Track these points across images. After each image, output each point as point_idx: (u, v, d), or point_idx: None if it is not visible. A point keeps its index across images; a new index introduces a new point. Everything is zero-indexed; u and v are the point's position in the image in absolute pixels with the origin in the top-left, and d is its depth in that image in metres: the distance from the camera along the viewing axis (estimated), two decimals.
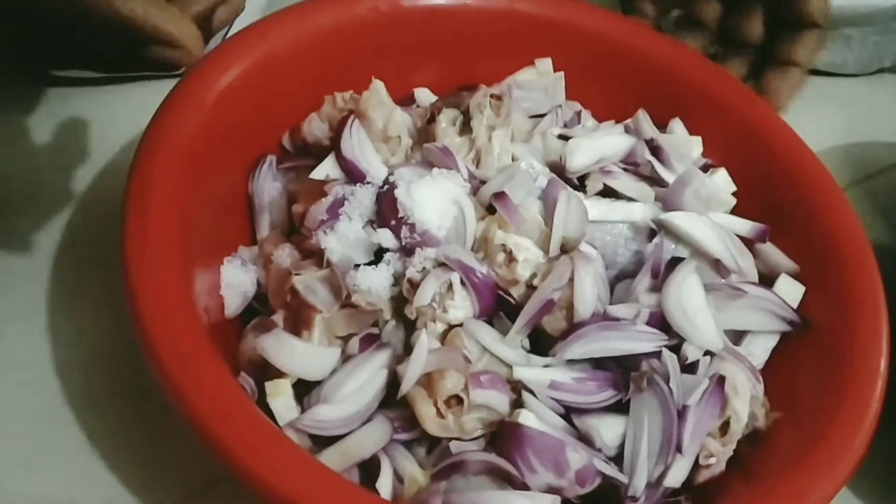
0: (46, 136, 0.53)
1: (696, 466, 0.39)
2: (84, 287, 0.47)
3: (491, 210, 0.43)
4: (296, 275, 0.41)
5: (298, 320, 0.40)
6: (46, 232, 0.49)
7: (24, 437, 0.41)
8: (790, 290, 0.45)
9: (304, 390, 0.39)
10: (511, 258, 0.41)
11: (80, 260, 0.48)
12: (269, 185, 0.47)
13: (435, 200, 0.41)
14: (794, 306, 0.44)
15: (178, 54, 0.36)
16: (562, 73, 0.54)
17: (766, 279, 0.46)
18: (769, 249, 0.47)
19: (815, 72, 0.67)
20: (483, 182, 0.44)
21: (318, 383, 0.39)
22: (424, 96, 0.52)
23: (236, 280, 0.44)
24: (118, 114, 0.54)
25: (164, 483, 0.41)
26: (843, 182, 0.61)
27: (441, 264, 0.40)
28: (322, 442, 0.38)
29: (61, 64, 0.47)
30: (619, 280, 0.44)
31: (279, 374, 0.39)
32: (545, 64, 0.54)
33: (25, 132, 0.53)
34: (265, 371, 0.39)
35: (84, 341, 0.45)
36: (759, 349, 0.44)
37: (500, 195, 0.42)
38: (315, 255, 0.42)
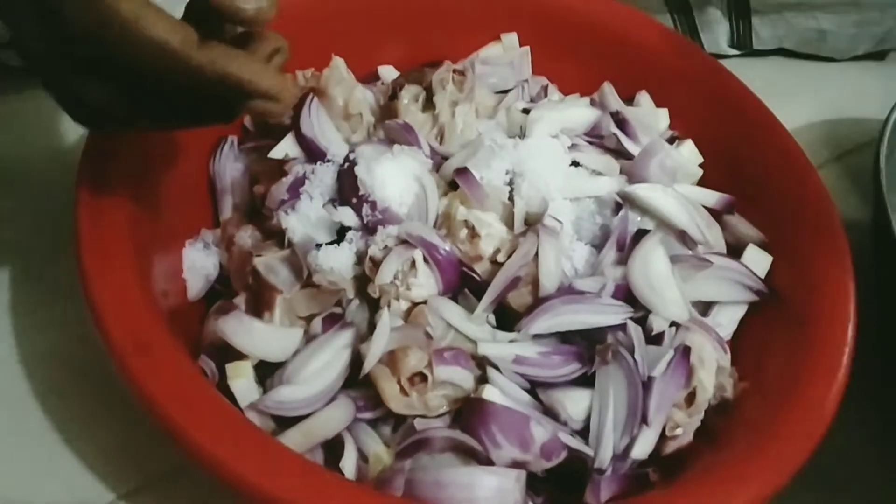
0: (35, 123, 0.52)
1: (664, 438, 0.39)
2: (50, 278, 0.46)
3: (453, 186, 0.42)
4: (257, 256, 0.40)
5: (260, 302, 0.40)
6: (11, 224, 0.48)
7: None
8: (758, 261, 0.45)
9: (268, 372, 0.39)
10: (474, 234, 0.40)
11: (45, 251, 0.47)
12: (230, 167, 0.46)
13: (396, 177, 0.41)
14: (762, 276, 0.44)
15: (273, 107, 0.32)
16: (527, 48, 0.53)
17: (735, 250, 0.46)
18: (737, 220, 0.47)
19: (793, 54, 0.66)
20: (445, 158, 0.43)
21: (280, 365, 0.39)
22: (388, 73, 0.52)
23: (198, 263, 0.43)
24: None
25: (129, 469, 0.41)
26: (821, 158, 0.61)
27: (403, 242, 0.40)
28: (285, 423, 0.37)
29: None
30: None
31: (240, 357, 0.38)
32: (511, 39, 0.53)
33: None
34: (227, 354, 0.39)
35: (51, 333, 0.45)
36: (727, 320, 0.43)
37: (462, 171, 0.41)
38: (277, 236, 0.42)
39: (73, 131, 0.52)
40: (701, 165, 0.49)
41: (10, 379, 0.43)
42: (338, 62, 0.46)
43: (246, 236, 0.43)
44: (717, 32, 0.62)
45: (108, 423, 0.41)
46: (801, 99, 0.65)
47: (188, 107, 0.33)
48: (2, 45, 0.52)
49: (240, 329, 0.38)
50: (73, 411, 0.42)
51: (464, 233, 0.40)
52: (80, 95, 0.32)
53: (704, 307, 0.44)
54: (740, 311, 0.44)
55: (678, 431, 0.38)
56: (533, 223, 0.41)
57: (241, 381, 0.37)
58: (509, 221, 0.42)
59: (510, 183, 0.42)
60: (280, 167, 0.44)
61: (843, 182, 0.59)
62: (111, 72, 0.31)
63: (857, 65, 0.67)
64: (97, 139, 0.40)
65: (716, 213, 0.46)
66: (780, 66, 0.67)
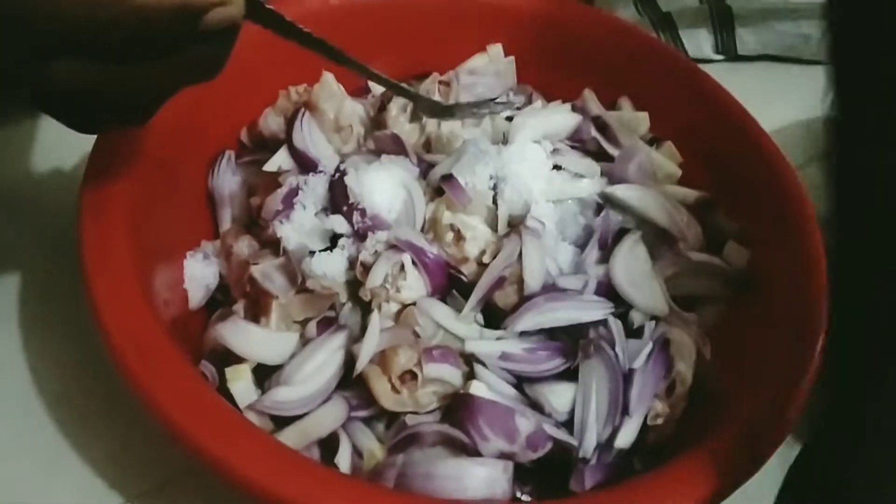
0: (5, 139, 0.54)
1: (648, 428, 0.40)
2: (55, 288, 0.48)
3: (440, 192, 0.44)
4: (253, 264, 0.42)
5: (257, 308, 0.42)
6: (20, 236, 0.50)
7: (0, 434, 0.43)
8: (737, 254, 0.46)
9: (266, 375, 0.41)
10: (459, 237, 0.42)
11: (52, 264, 0.49)
12: (228, 180, 0.48)
13: (384, 185, 0.43)
14: (741, 270, 0.46)
15: (229, 10, 0.30)
16: (512, 58, 0.55)
17: (716, 245, 0.47)
18: (717, 217, 0.48)
19: (775, 58, 0.67)
20: (432, 165, 0.45)
21: (278, 367, 0.40)
22: (379, 87, 0.53)
23: (199, 273, 0.45)
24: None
25: (137, 473, 0.42)
26: (806, 156, 0.62)
27: (392, 246, 0.41)
28: (283, 423, 0.39)
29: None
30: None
31: (239, 360, 0.40)
32: (496, 49, 0.55)
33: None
34: (227, 358, 0.41)
35: (57, 343, 0.46)
36: (710, 313, 0.45)
37: (447, 177, 0.43)
38: (273, 245, 0.44)
39: (76, 148, 0.54)
40: (680, 165, 0.51)
41: (17, 386, 0.44)
42: (328, 77, 0.48)
43: (243, 246, 0.45)
44: (699, 38, 0.64)
45: (116, 428, 0.43)
46: (786, 100, 0.66)
47: (163, 67, 0.32)
48: None
49: (238, 334, 0.40)
50: (80, 417, 0.43)
51: (450, 236, 0.42)
52: (59, 86, 0.31)
53: (687, 302, 0.45)
54: (721, 305, 0.45)
55: (659, 421, 0.40)
56: (516, 225, 0.43)
57: (240, 383, 0.39)
58: (494, 224, 0.43)
59: (494, 187, 0.44)
60: (275, 179, 0.46)
61: (825, 180, 0.60)
62: (76, 46, 0.30)
63: None
64: (100, 156, 0.42)
65: (695, 211, 0.48)
66: (765, 69, 0.68)
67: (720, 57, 0.66)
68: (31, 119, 0.55)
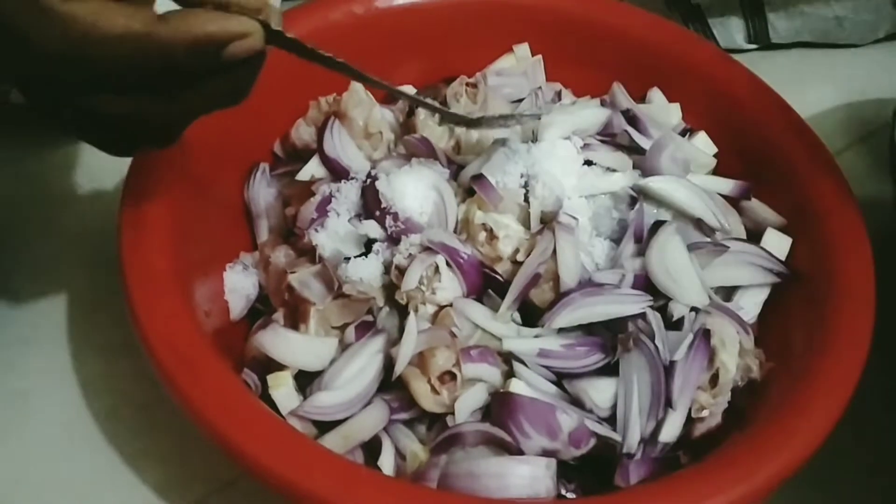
0: (49, 161, 0.56)
1: (692, 421, 0.40)
2: (102, 302, 0.49)
3: (471, 192, 0.44)
4: (291, 273, 0.43)
5: (296, 315, 0.42)
6: (63, 253, 0.51)
7: (54, 447, 0.44)
8: (777, 243, 0.45)
9: (307, 381, 0.41)
10: (492, 236, 0.42)
11: (98, 279, 0.50)
12: (264, 192, 0.49)
13: (415, 188, 0.43)
14: (782, 258, 0.45)
15: (251, 42, 0.31)
16: (539, 57, 0.55)
17: (755, 235, 0.47)
18: (754, 205, 0.47)
19: (808, 44, 0.66)
20: (462, 167, 0.45)
21: (319, 373, 0.41)
22: (408, 92, 0.54)
23: (238, 284, 0.46)
24: None
25: (186, 484, 0.43)
26: (846, 141, 0.61)
27: (426, 249, 0.42)
28: (325, 428, 0.39)
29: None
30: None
31: (280, 368, 0.41)
32: (523, 49, 0.55)
33: (32, 155, 0.56)
34: (268, 366, 0.41)
35: (104, 358, 0.47)
36: (750, 303, 0.44)
37: (477, 177, 0.43)
38: (309, 253, 0.44)
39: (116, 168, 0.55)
40: (715, 155, 0.50)
41: (67, 403, 0.45)
42: (356, 86, 0.48)
43: (280, 255, 0.45)
44: (731, 27, 0.63)
45: (165, 440, 0.44)
46: (822, 85, 0.65)
47: (190, 96, 0.33)
48: None
49: (278, 341, 0.40)
50: (129, 431, 0.44)
51: (483, 236, 0.42)
52: (91, 117, 0.33)
53: (727, 292, 0.45)
54: (763, 294, 0.45)
55: (704, 413, 0.39)
56: (549, 222, 0.43)
57: (282, 390, 0.39)
58: (526, 222, 0.43)
59: (525, 185, 0.44)
60: (308, 188, 0.46)
61: (866, 163, 0.59)
62: (104, 79, 0.31)
63: (879, 47, 0.66)
64: (137, 175, 0.43)
65: (733, 200, 0.47)
66: (799, 56, 0.67)
67: (753, 46, 0.65)
68: (71, 142, 0.56)
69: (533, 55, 0.55)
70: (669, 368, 0.39)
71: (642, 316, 0.40)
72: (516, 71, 0.54)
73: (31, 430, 0.44)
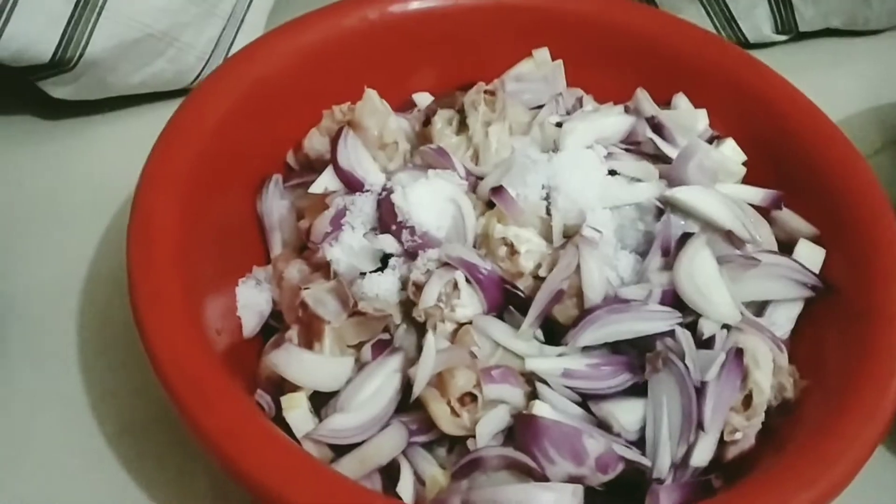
0: (46, 170, 0.55)
1: (724, 443, 0.38)
2: (111, 321, 0.48)
3: (491, 205, 0.42)
4: (304, 289, 0.41)
5: (310, 333, 0.41)
6: (68, 268, 0.50)
7: (62, 467, 0.43)
8: (810, 255, 0.44)
9: (322, 402, 0.40)
10: (513, 251, 0.40)
11: (107, 293, 0.49)
12: (277, 204, 0.47)
13: (432, 201, 0.41)
14: (816, 271, 0.43)
15: None
16: (560, 62, 0.53)
17: (787, 246, 0.45)
18: (786, 216, 0.46)
19: (836, 32, 0.65)
20: (481, 178, 0.44)
21: (334, 394, 0.39)
22: (424, 100, 0.52)
23: (252, 300, 0.44)
24: (122, 145, 0.56)
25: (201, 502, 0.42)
26: (876, 145, 0.60)
27: (444, 264, 0.40)
28: (341, 451, 0.38)
29: None
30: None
31: (294, 388, 0.39)
32: (542, 54, 0.53)
33: (25, 171, 0.55)
34: (282, 387, 0.40)
35: (117, 376, 0.46)
36: (783, 318, 0.42)
37: (497, 189, 0.42)
38: (323, 268, 0.43)
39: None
40: (744, 163, 0.48)
41: (78, 421, 0.44)
42: (370, 94, 0.47)
43: (294, 271, 0.44)
44: (757, 18, 0.61)
45: (177, 462, 0.43)
46: (852, 78, 0.63)
47: None
48: (47, 74, 0.54)
49: (291, 361, 0.39)
50: (140, 452, 0.43)
51: (503, 250, 0.41)
52: None
53: (758, 307, 0.43)
54: (796, 309, 0.43)
55: (737, 436, 0.38)
56: (572, 235, 0.41)
57: (297, 412, 0.38)
58: (548, 235, 0.42)
59: (546, 197, 0.42)
60: (322, 201, 0.45)
61: None
62: None
63: None
64: (147, 187, 0.41)
65: (763, 211, 0.45)
66: (828, 47, 0.65)
67: (782, 37, 0.63)
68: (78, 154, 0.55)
69: (553, 60, 0.53)
70: (701, 389, 0.37)
71: (671, 334, 0.38)
72: (536, 76, 0.52)
73: (36, 450, 0.43)
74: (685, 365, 0.37)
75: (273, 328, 0.44)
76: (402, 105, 0.52)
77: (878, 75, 0.64)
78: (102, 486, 0.42)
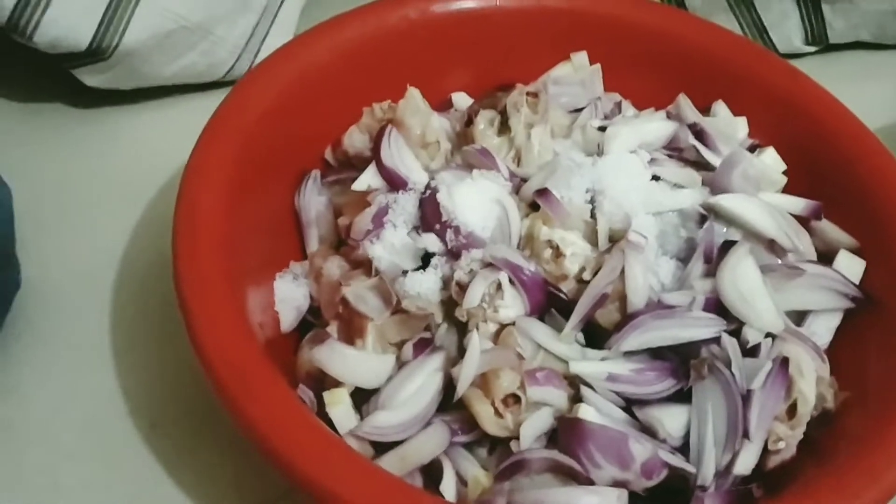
0: (77, 158, 0.55)
1: (766, 452, 0.38)
2: (144, 314, 0.48)
3: (534, 207, 0.42)
4: (345, 286, 0.41)
5: (351, 330, 0.41)
6: (100, 260, 0.50)
7: (93, 461, 0.43)
8: (851, 266, 0.44)
9: (363, 399, 0.40)
10: (558, 253, 0.40)
11: (137, 287, 0.49)
12: (315, 200, 0.47)
13: (477, 201, 0.41)
14: (856, 282, 0.43)
15: None
16: (598, 66, 0.53)
17: (825, 257, 0.45)
18: (826, 226, 0.46)
19: (865, 45, 0.65)
20: (524, 180, 0.44)
21: (375, 391, 0.39)
22: (462, 100, 0.52)
23: (289, 295, 0.44)
24: (154, 135, 0.56)
25: (232, 499, 0.42)
26: None
27: (488, 265, 0.40)
28: (383, 448, 0.38)
29: None
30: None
31: (336, 384, 0.39)
32: (580, 57, 0.53)
33: (58, 159, 0.55)
34: (323, 382, 0.40)
35: (149, 367, 0.46)
36: (823, 328, 0.42)
37: (542, 191, 0.42)
38: (364, 265, 0.43)
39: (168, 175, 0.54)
40: (784, 172, 0.48)
41: (111, 414, 0.44)
42: (413, 92, 0.47)
43: (333, 267, 0.44)
44: (788, 29, 0.61)
45: (210, 455, 0.43)
46: (885, 93, 0.63)
47: None
48: (82, 63, 0.53)
49: (334, 357, 0.39)
50: (173, 445, 0.43)
51: (548, 253, 0.40)
52: None
53: (798, 316, 0.43)
54: (836, 320, 0.43)
55: (781, 445, 0.38)
56: (617, 240, 0.41)
57: (340, 407, 0.38)
58: (592, 239, 0.42)
59: (591, 201, 0.42)
60: (362, 198, 0.45)
61: None
62: None
63: None
64: (191, 182, 0.41)
65: (803, 220, 0.45)
66: (859, 60, 0.65)
67: (811, 48, 0.63)
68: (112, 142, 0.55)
69: (591, 64, 0.53)
70: (746, 397, 0.37)
71: (716, 341, 0.38)
72: (574, 80, 0.52)
73: (67, 441, 0.43)
74: (731, 373, 0.37)
75: (308, 324, 0.44)
76: (439, 105, 0.51)
77: None
78: (131, 479, 0.42)
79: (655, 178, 0.44)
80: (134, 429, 0.44)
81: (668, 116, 0.49)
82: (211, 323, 0.36)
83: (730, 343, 0.38)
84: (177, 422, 0.44)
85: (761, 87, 0.51)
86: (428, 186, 0.43)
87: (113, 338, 0.47)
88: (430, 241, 0.41)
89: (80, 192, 0.53)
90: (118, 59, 0.54)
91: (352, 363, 0.39)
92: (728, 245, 0.41)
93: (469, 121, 0.47)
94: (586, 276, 0.40)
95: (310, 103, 0.48)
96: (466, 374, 0.37)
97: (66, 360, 0.46)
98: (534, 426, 0.37)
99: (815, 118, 0.49)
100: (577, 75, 0.53)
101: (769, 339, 0.39)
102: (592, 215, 0.42)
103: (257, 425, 0.34)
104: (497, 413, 0.38)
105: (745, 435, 0.36)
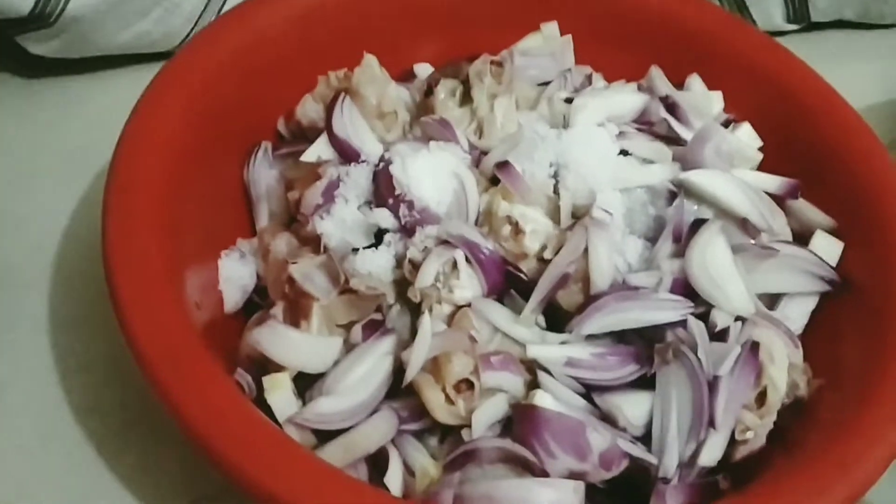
0: (24, 130, 0.52)
1: (734, 442, 0.36)
2: (87, 288, 0.45)
3: (494, 181, 0.40)
4: (292, 263, 0.39)
5: (297, 311, 0.38)
6: (37, 245, 0.47)
7: (30, 450, 0.40)
8: (827, 247, 0.42)
9: (307, 384, 0.37)
10: (518, 230, 0.38)
11: (83, 261, 0.46)
12: (265, 174, 0.45)
13: (433, 175, 0.39)
14: (833, 264, 0.41)
15: None
16: (569, 37, 0.51)
17: (801, 237, 0.43)
18: (802, 206, 0.44)
19: (848, 24, 0.63)
20: (485, 153, 0.41)
21: (320, 376, 0.37)
22: (424, 71, 0.50)
23: (235, 274, 0.42)
24: (105, 107, 0.53)
25: (168, 490, 0.39)
26: (886, 139, 0.58)
27: (443, 242, 0.38)
28: (326, 437, 0.35)
29: None
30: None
31: (279, 369, 0.37)
32: (551, 28, 0.51)
33: (4, 130, 0.52)
34: (265, 366, 0.37)
35: (89, 354, 0.44)
36: (797, 313, 0.40)
37: (503, 164, 0.39)
38: (313, 242, 0.40)
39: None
40: (760, 149, 0.46)
41: (45, 397, 0.42)
42: (370, 60, 0.44)
43: (282, 244, 0.41)
44: (769, 5, 0.59)
45: (148, 443, 0.40)
46: (869, 73, 0.62)
47: None
48: (26, 29, 0.51)
49: (276, 339, 0.36)
50: (110, 430, 0.41)
51: (507, 230, 0.38)
52: None
53: (771, 300, 0.41)
54: (811, 303, 0.41)
55: (749, 435, 0.35)
56: (580, 216, 0.39)
57: (279, 393, 0.36)
58: (555, 216, 0.39)
59: (554, 175, 0.40)
60: (314, 171, 0.42)
61: None
62: None
63: None
64: (127, 149, 0.39)
65: (778, 199, 0.43)
66: (842, 38, 0.63)
67: (793, 27, 0.61)
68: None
69: (561, 35, 0.51)
70: (713, 384, 0.35)
71: (682, 324, 0.36)
72: (543, 51, 0.50)
73: (7, 436, 0.41)
74: (698, 358, 0.35)
75: (256, 305, 0.42)
76: (402, 76, 0.49)
77: (890, 68, 0.62)
78: (68, 466, 0.40)
79: (624, 152, 0.42)
80: (69, 412, 0.41)
81: (640, 89, 0.46)
82: (141, 303, 0.34)
83: (696, 326, 0.36)
84: (115, 406, 0.42)
85: (738, 60, 0.48)
86: (382, 158, 0.40)
87: (52, 314, 0.45)
88: (383, 217, 0.39)
89: (27, 163, 0.51)
90: (64, 25, 0.52)
91: (294, 346, 0.36)
92: (698, 223, 0.39)
93: (429, 90, 0.44)
94: (547, 254, 0.38)
95: (262, 70, 0.45)
96: (417, 357, 0.35)
97: (4, 336, 0.44)
98: (487, 413, 0.35)
99: (795, 94, 0.47)
100: (546, 46, 0.50)
101: (739, 323, 0.37)
102: (556, 191, 0.40)
103: (188, 416, 0.32)
104: (448, 399, 0.35)
105: (711, 424, 0.34)
